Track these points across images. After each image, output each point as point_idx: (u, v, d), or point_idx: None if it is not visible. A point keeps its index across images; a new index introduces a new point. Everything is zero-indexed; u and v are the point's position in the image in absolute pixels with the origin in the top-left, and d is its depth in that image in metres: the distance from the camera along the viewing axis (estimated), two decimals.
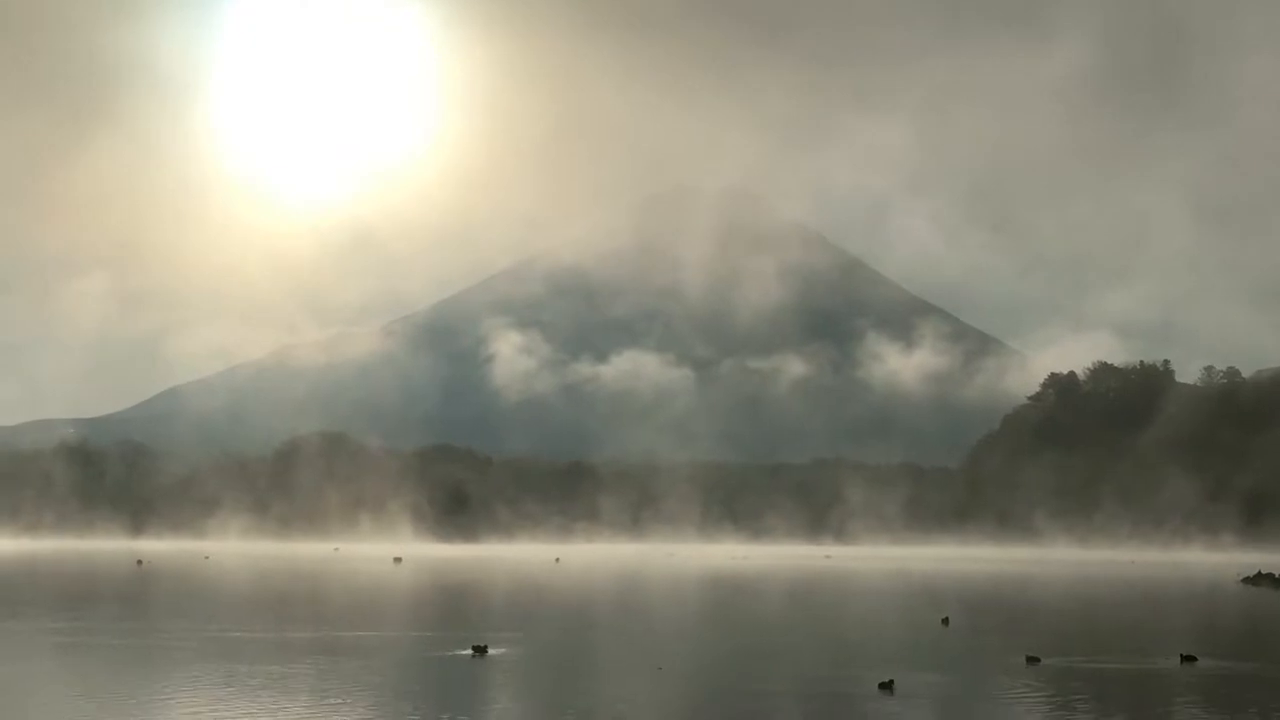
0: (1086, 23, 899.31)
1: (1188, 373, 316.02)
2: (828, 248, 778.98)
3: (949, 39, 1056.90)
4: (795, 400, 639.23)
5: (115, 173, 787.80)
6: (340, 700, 42.18)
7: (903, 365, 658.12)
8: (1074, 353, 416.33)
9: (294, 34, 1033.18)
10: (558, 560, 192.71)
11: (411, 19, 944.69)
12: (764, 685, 47.79)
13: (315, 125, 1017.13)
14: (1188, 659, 54.66)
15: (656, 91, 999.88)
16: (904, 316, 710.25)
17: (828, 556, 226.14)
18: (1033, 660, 53.79)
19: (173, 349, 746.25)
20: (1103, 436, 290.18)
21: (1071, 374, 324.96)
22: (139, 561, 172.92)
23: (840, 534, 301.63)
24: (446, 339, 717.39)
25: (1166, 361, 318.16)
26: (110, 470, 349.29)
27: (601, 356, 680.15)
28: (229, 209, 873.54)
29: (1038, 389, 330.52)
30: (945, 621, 75.16)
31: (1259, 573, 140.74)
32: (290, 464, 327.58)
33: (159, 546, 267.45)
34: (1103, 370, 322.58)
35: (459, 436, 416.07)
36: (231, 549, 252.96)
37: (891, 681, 45.94)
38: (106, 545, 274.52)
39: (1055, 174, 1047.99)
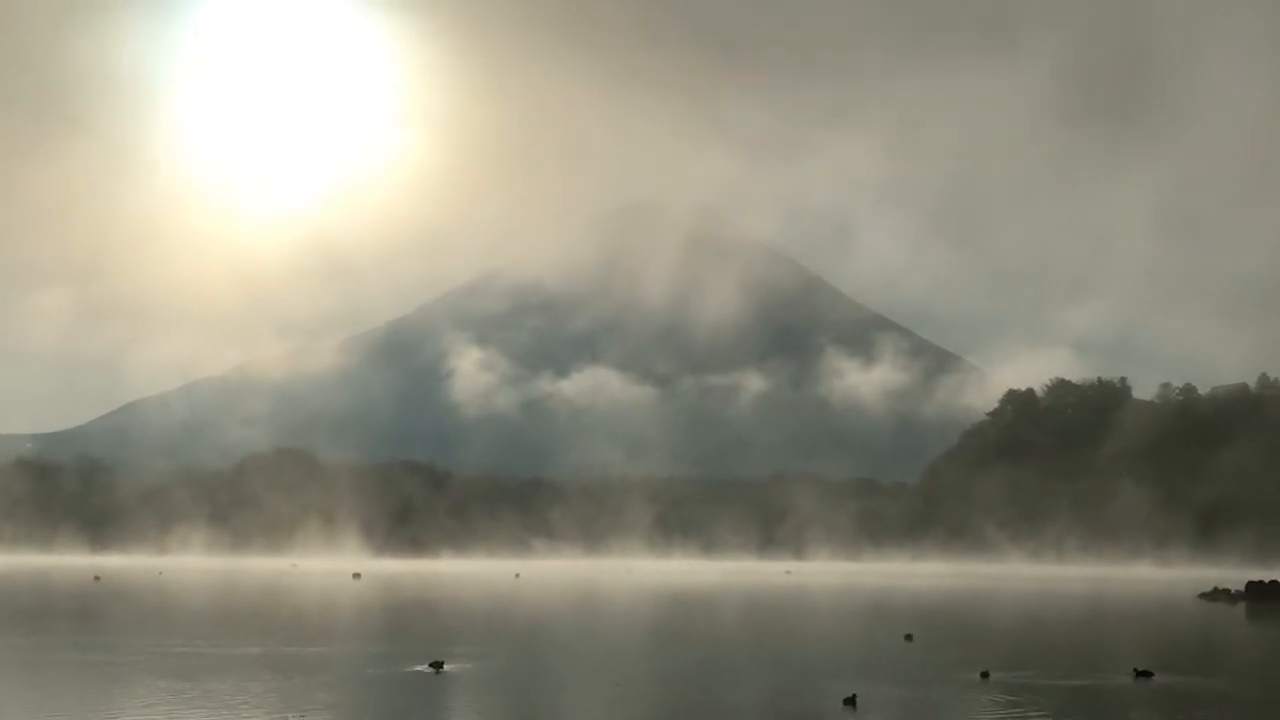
0: (1051, 41, 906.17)
1: (1145, 389, 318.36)
2: (790, 264, 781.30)
3: (917, 57, 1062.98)
4: (754, 416, 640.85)
5: (76, 185, 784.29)
6: (295, 716, 41.79)
7: (862, 381, 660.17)
8: (1033, 369, 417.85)
9: (257, 45, 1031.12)
10: (517, 576, 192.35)
11: (375, 30, 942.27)
12: (726, 701, 47.65)
13: (278, 137, 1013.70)
14: (1142, 674, 54.73)
15: (622, 106, 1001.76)
16: (864, 332, 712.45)
17: (788, 572, 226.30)
18: (985, 676, 53.78)
19: (132, 363, 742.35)
20: (1060, 453, 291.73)
21: (1030, 390, 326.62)
22: (96, 577, 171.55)
23: (799, 549, 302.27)
24: (407, 354, 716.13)
25: (1124, 378, 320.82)
26: (68, 485, 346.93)
27: (562, 372, 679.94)
28: (190, 222, 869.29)
29: (996, 405, 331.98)
30: (909, 638, 75.17)
31: (1215, 588, 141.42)
32: (249, 479, 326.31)
33: (117, 562, 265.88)
34: (1060, 387, 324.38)
35: (418, 451, 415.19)
36: (189, 564, 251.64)
37: (855, 696, 45.83)
38: (64, 561, 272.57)
39: (1018, 191, 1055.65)
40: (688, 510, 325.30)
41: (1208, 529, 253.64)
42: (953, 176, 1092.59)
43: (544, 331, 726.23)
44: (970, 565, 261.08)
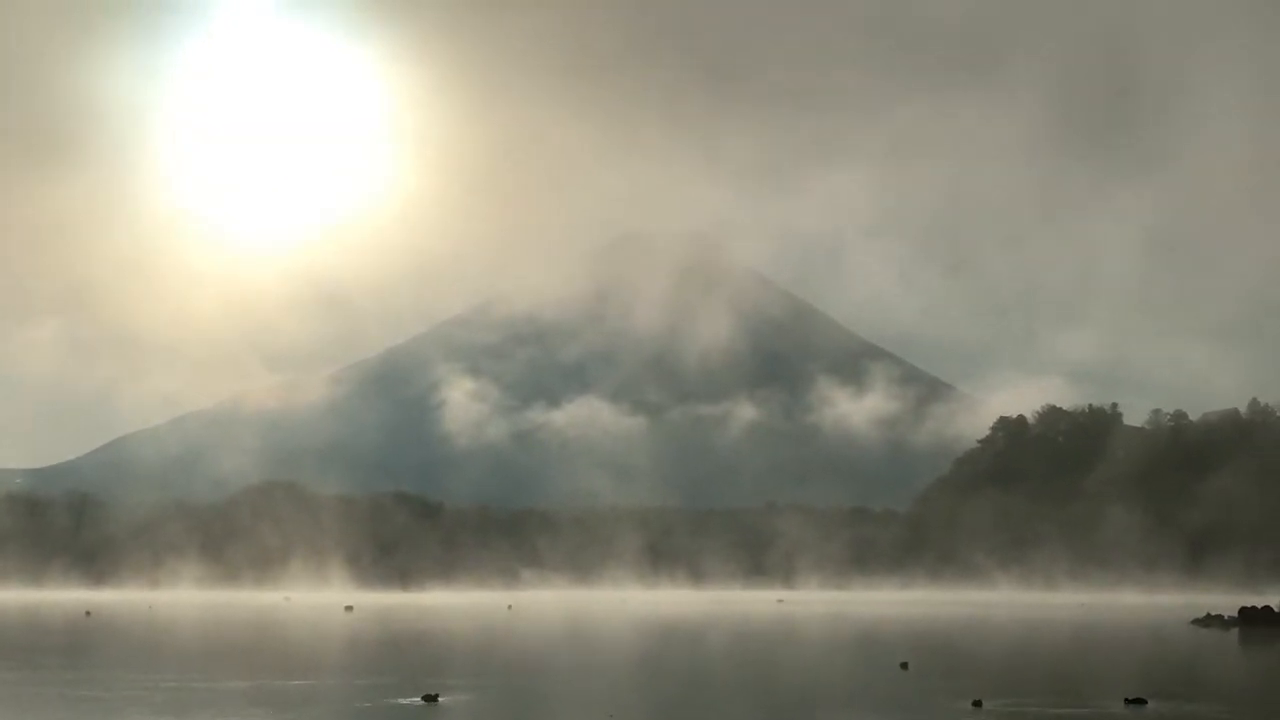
0: (1039, 70, 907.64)
1: (1137, 415, 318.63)
2: (782, 292, 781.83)
3: (908, 87, 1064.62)
4: (746, 445, 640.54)
5: (66, 216, 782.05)
6: None
7: (853, 409, 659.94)
8: (1024, 396, 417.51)
9: (250, 76, 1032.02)
10: (510, 607, 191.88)
11: (368, 61, 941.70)
12: None
13: (269, 169, 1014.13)
14: (1134, 701, 54.59)
15: (614, 137, 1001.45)
16: (855, 361, 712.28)
17: (780, 601, 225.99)
18: (978, 704, 53.65)
19: (123, 396, 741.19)
20: (1051, 480, 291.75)
21: (1021, 417, 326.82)
22: (87, 613, 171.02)
23: (790, 578, 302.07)
24: (398, 385, 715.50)
25: (1115, 405, 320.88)
26: (59, 520, 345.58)
27: (554, 402, 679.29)
28: (181, 253, 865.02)
29: (987, 432, 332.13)
30: (904, 666, 75.02)
31: (1208, 614, 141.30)
32: (240, 512, 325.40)
33: (109, 597, 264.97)
34: (1052, 414, 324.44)
35: (410, 483, 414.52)
36: (181, 598, 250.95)
37: None
38: (55, 596, 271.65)
39: (1008, 218, 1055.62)
40: (679, 540, 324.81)
41: (1199, 555, 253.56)
42: (943, 204, 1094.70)
43: (536, 362, 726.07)
44: (962, 593, 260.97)
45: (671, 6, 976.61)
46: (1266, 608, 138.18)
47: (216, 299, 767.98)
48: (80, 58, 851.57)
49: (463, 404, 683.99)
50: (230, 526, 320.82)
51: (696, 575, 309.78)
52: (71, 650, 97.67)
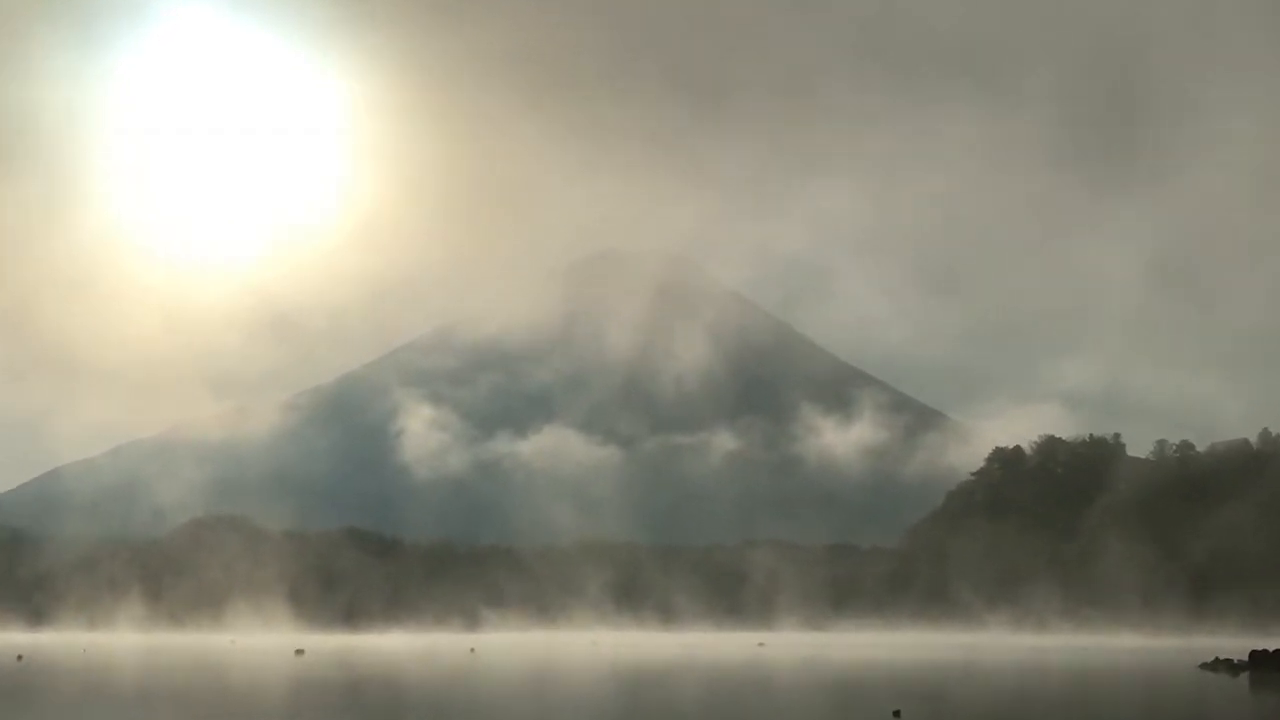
0: (1039, 86, 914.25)
1: (1140, 446, 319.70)
2: (763, 316, 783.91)
3: (898, 102, 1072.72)
4: (724, 477, 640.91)
5: (1, 239, 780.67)
6: None
7: (839, 439, 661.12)
8: (1021, 425, 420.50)
9: (192, 86, 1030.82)
10: (473, 650, 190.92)
11: (322, 74, 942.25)
12: None
13: (216, 182, 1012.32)
14: None
15: (586, 151, 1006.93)
16: (841, 388, 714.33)
17: (761, 644, 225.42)
18: None
19: (59, 426, 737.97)
20: (1050, 513, 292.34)
21: (1017, 448, 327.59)
22: (19, 656, 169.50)
23: (770, 619, 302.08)
24: (353, 412, 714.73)
25: (1117, 435, 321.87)
26: None
27: (519, 432, 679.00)
28: (122, 272, 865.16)
29: (982, 464, 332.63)
30: (897, 715, 74.62)
31: (1217, 658, 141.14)
32: (185, 549, 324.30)
33: (43, 639, 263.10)
34: (1050, 444, 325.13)
35: (366, 518, 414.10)
36: (121, 641, 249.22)
37: None
38: None
39: (1004, 239, 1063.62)
40: (651, 578, 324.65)
41: (1203, 593, 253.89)
42: (935, 224, 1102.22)
43: (500, 389, 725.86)
44: (954, 634, 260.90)
45: (648, 16, 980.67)
46: (1279, 651, 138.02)
47: (159, 320, 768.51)
48: (14, 64, 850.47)
49: (421, 433, 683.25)
50: (172, 564, 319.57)
51: (670, 616, 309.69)
52: (2, 698, 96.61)
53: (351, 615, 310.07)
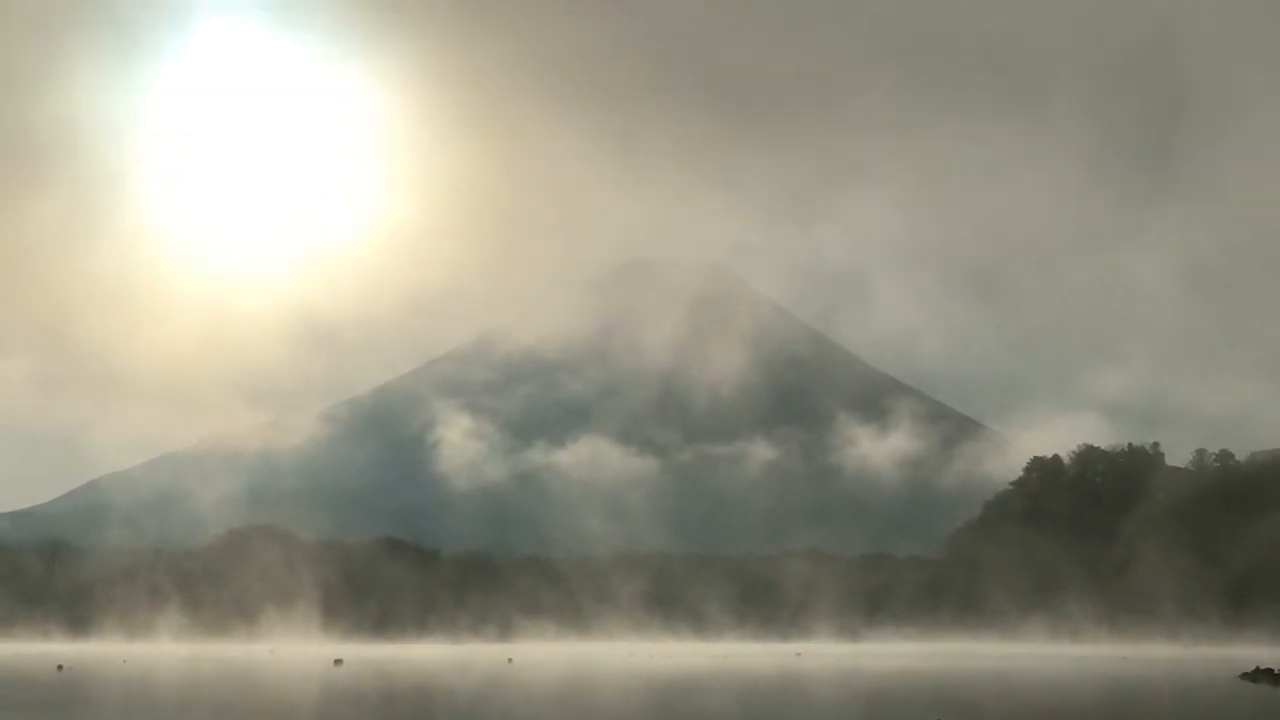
0: (1079, 92, 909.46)
1: (1179, 455, 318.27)
2: (799, 326, 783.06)
3: (937, 110, 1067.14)
4: (761, 487, 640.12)
5: (37, 244, 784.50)
6: None
7: (876, 449, 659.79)
8: (1059, 435, 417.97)
9: (233, 94, 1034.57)
10: (510, 660, 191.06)
11: (359, 82, 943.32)
12: None
13: (254, 197, 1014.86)
14: None
15: (623, 161, 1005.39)
16: (879, 398, 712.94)
17: (798, 654, 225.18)
18: None
19: (98, 437, 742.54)
20: (1088, 523, 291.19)
21: (1055, 457, 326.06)
22: (59, 666, 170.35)
23: (808, 629, 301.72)
24: (391, 423, 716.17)
25: (1156, 444, 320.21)
26: (30, 568, 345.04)
27: (557, 442, 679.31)
28: (159, 284, 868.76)
29: (1020, 474, 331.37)
30: None
31: (1258, 668, 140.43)
32: (223, 560, 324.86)
33: (83, 649, 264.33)
34: (1089, 453, 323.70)
35: (404, 528, 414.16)
36: (160, 651, 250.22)
37: None
38: (26, 648, 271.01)
39: (1042, 247, 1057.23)
40: (687, 588, 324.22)
41: (1242, 603, 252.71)
42: (973, 231, 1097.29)
43: (537, 399, 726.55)
44: (990, 644, 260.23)
45: (684, 22, 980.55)
46: None
47: (197, 332, 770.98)
48: (54, 71, 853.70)
49: (459, 444, 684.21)
50: (210, 574, 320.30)
51: (705, 625, 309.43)
52: (44, 707, 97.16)
53: (387, 625, 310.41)
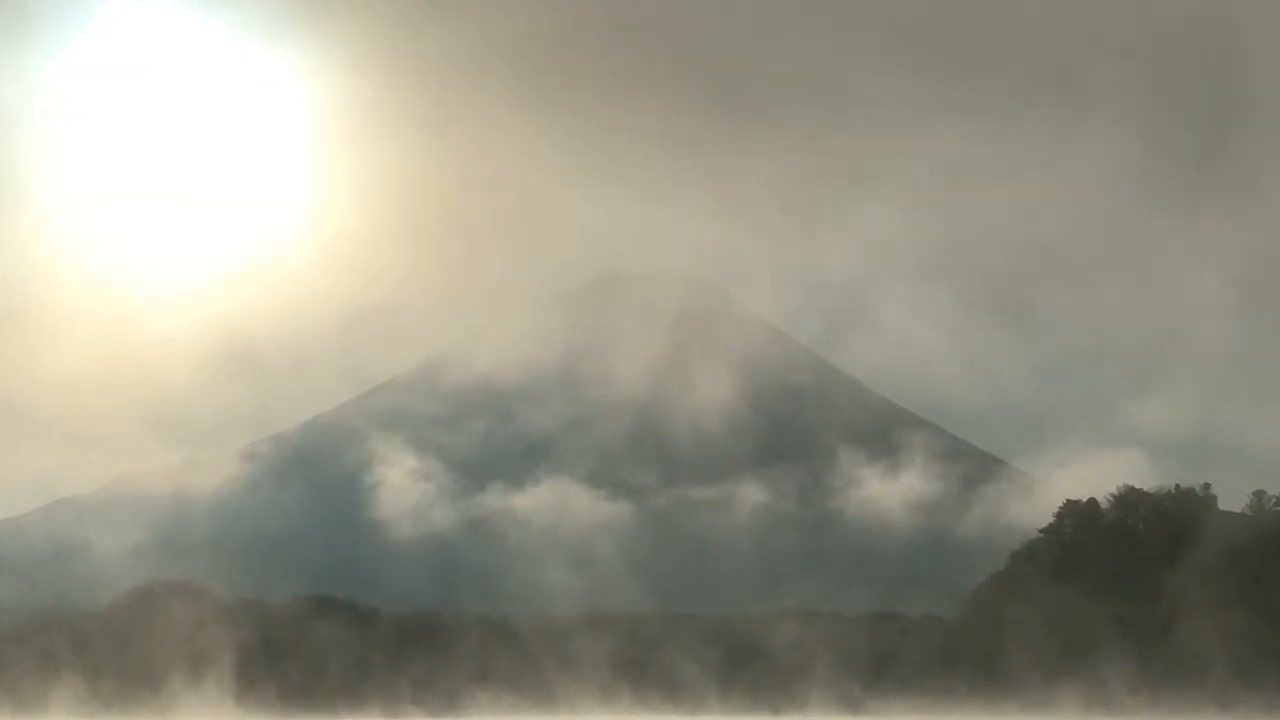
0: (1116, 88, 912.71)
1: (1233, 498, 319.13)
2: (797, 349, 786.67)
3: (957, 106, 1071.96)
4: (751, 536, 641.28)
5: None
6: None
7: (885, 491, 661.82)
8: (1095, 474, 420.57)
9: (139, 88, 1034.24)
10: None
11: (288, 73, 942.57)
12: None
13: (165, 197, 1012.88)
14: None
15: (591, 159, 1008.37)
16: (887, 431, 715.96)
17: None
18: None
19: None
20: (1128, 576, 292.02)
21: (1091, 500, 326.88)
22: None
23: (806, 702, 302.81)
24: (322, 463, 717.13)
25: (1207, 485, 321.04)
26: None
27: (515, 484, 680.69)
28: (55, 304, 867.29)
29: (1051, 519, 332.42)
30: None
31: None
32: (127, 621, 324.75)
33: None
34: (1129, 495, 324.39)
35: (338, 585, 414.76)
36: None
37: None
38: None
39: (1077, 262, 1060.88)
40: (666, 652, 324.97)
41: None
42: (996, 244, 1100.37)
43: (493, 434, 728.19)
44: (1016, 716, 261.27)
45: (666, 7, 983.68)
46: None
47: (100, 358, 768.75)
48: None
49: (401, 486, 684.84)
50: (113, 638, 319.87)
51: (684, 695, 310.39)
52: None
53: (314, 696, 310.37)
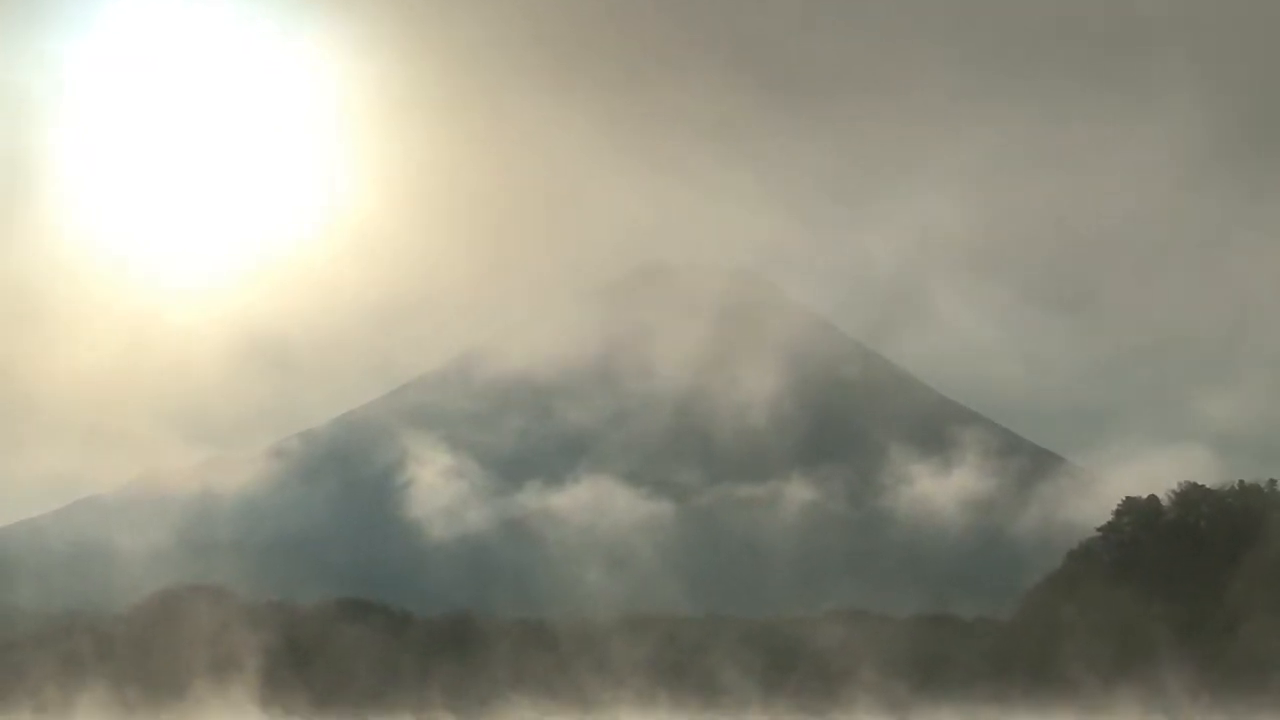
0: (1185, 70, 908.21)
1: None
2: (847, 343, 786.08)
3: (1013, 91, 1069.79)
4: (797, 535, 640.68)
5: None
6: None
7: (937, 489, 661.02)
8: (1156, 471, 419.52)
9: (161, 77, 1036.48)
10: None
11: (315, 58, 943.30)
12: None
13: (190, 188, 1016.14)
14: None
15: (633, 147, 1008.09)
16: (940, 427, 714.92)
17: None
18: None
19: (3, 479, 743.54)
20: (1189, 576, 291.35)
21: (1152, 498, 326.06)
22: None
23: (851, 705, 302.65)
24: (353, 461, 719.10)
25: (1273, 481, 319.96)
26: None
27: (553, 482, 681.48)
28: (80, 299, 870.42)
29: (1110, 518, 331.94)
30: None
31: None
32: (153, 625, 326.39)
33: None
34: (1192, 492, 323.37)
35: (370, 587, 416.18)
36: None
37: None
38: None
39: (1139, 252, 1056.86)
40: (707, 656, 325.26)
41: None
42: (1055, 235, 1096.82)
43: (529, 431, 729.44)
44: None
45: None
46: None
47: (123, 354, 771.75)
48: None
49: (435, 485, 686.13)
50: (139, 644, 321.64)
51: (726, 700, 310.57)
52: None
53: (357, 703, 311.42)
